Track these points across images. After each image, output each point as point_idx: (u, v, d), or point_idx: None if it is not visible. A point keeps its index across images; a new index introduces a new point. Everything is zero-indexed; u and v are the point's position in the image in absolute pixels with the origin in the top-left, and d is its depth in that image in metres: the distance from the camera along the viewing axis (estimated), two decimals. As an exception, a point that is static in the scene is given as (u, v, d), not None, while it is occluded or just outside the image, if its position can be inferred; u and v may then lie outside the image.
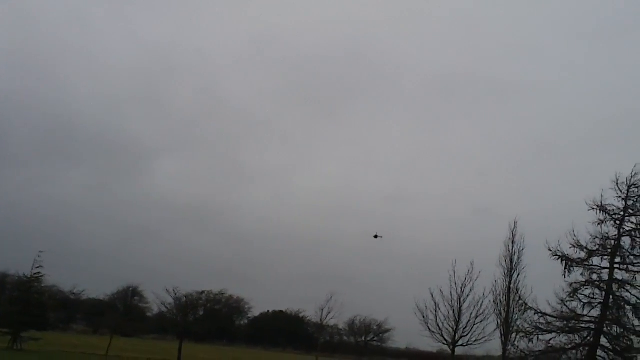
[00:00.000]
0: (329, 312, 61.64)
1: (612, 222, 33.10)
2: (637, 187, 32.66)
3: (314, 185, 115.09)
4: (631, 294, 32.57)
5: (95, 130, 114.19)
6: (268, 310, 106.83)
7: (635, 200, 32.70)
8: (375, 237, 56.70)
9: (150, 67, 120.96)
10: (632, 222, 32.94)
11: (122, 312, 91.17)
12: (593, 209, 33.46)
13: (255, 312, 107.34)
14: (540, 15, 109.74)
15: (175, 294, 50.58)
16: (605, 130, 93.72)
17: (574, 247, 33.77)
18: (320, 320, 63.52)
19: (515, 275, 37.76)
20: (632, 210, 32.81)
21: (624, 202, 32.86)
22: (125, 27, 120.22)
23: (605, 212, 33.17)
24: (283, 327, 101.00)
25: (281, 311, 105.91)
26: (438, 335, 39.68)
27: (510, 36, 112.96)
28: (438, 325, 39.45)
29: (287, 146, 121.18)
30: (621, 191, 32.88)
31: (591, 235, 33.49)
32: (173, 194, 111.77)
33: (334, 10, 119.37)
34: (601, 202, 33.24)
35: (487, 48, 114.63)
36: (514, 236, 38.30)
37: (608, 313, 32.63)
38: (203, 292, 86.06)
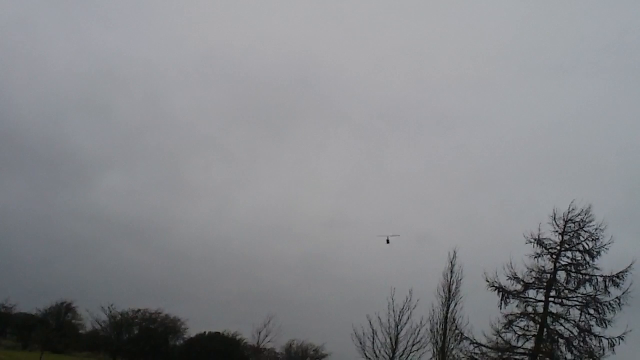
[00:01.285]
0: (266, 335, 60.62)
1: (548, 256, 33.49)
2: (573, 223, 33.14)
3: (255, 205, 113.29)
4: (565, 328, 32.87)
5: (36, 139, 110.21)
6: (204, 332, 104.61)
7: (571, 235, 33.16)
8: (388, 242, 55.65)
9: (96, 76, 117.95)
10: (567, 257, 33.38)
11: (54, 328, 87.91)
12: (530, 242, 33.83)
13: (192, 332, 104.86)
14: (486, 49, 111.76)
15: (110, 312, 49.11)
16: (545, 165, 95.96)
17: (511, 279, 34.01)
18: (257, 343, 62.41)
19: (452, 305, 37.70)
20: (568, 245, 33.24)
21: (560, 237, 33.28)
22: (72, 35, 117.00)
23: (542, 246, 33.55)
24: (219, 349, 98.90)
25: (217, 332, 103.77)
26: (375, 362, 39.18)
27: (456, 69, 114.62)
28: (375, 352, 39.01)
29: (231, 164, 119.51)
30: (558, 226, 33.33)
31: (528, 268, 33.82)
32: (113, 207, 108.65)
33: (285, 33, 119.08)
34: (538, 236, 33.63)
35: (433, 79, 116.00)
36: (452, 266, 38.30)
37: (542, 345, 32.82)
38: (139, 310, 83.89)
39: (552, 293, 33.24)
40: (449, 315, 37.53)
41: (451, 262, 38.43)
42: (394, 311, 39.04)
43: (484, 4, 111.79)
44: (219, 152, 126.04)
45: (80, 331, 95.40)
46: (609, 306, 32.06)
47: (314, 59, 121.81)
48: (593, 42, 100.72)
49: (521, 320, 33.61)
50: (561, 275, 33.31)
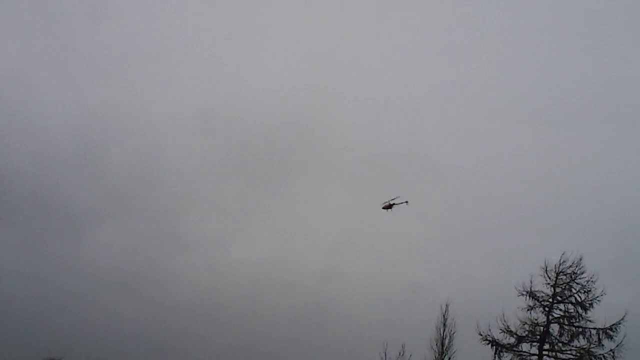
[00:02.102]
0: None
1: (541, 309, 33.29)
2: (565, 275, 33.08)
3: (249, 257, 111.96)
4: (559, 381, 32.49)
5: (28, 193, 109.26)
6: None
7: (563, 287, 33.06)
8: (390, 207, 54.22)
9: (89, 130, 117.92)
10: (560, 309, 33.20)
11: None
12: (523, 294, 33.65)
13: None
14: (479, 101, 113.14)
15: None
16: (535, 216, 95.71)
17: (504, 332, 33.72)
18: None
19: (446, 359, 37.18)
20: (561, 297, 33.10)
21: (552, 289, 33.18)
22: (65, 89, 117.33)
23: (535, 299, 33.39)
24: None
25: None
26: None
27: (448, 121, 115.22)
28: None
29: (224, 217, 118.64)
30: (550, 278, 33.26)
31: (521, 321, 33.57)
32: (106, 261, 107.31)
33: (278, 87, 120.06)
34: (530, 289, 33.49)
35: (426, 131, 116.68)
36: (445, 319, 37.90)
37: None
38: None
39: (546, 346, 32.96)
40: (443, 370, 37.05)
41: (444, 316, 38.08)
42: (387, 367, 38.45)
43: (476, 56, 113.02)
44: (212, 205, 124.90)
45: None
46: (603, 359, 31.75)
47: (308, 112, 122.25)
48: (581, 92, 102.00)
49: (516, 375, 33.22)
50: (554, 328, 33.08)
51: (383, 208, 57.30)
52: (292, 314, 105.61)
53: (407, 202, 56.39)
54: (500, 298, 35.95)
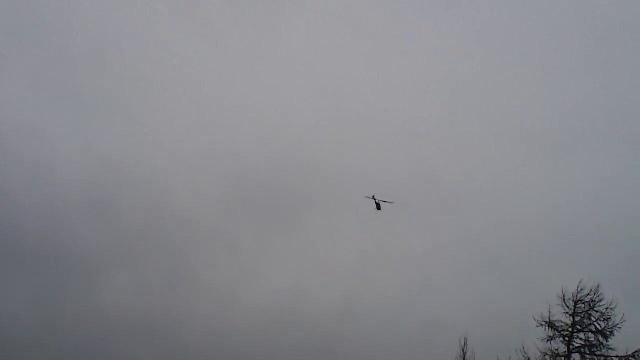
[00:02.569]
0: None
1: (561, 339, 32.81)
2: (583, 303, 32.68)
3: (264, 296, 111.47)
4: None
5: (41, 242, 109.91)
6: None
7: (582, 316, 32.64)
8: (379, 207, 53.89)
9: (99, 176, 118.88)
10: (580, 338, 32.74)
11: None
12: (541, 325, 33.23)
13: None
14: (491, 129, 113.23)
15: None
16: (552, 243, 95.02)
17: (524, 364, 33.22)
18: None
19: (467, 395, 36.61)
20: (580, 326, 32.67)
21: (571, 318, 32.77)
22: (75, 137, 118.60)
23: (554, 329, 32.97)
24: None
25: None
26: None
27: (460, 149, 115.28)
28: None
29: (238, 256, 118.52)
30: (568, 307, 32.88)
31: (541, 352, 33.14)
32: (119, 306, 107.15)
33: (286, 125, 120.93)
34: (549, 318, 33.10)
35: (436, 161, 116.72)
36: (464, 353, 37.29)
37: None
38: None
39: (569, 377, 32.45)
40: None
41: (462, 350, 37.51)
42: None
43: (484, 80, 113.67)
44: (225, 245, 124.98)
45: None
46: (626, 387, 31.34)
47: (317, 146, 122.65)
48: (594, 114, 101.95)
49: (539, 408, 32.66)
50: (575, 357, 32.63)
51: (376, 206, 57.44)
52: (308, 353, 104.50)
53: (392, 202, 56.58)
54: (519, 329, 35.55)
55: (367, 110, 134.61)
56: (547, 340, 33.13)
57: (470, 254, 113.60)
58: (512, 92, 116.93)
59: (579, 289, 32.81)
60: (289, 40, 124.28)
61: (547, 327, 33.09)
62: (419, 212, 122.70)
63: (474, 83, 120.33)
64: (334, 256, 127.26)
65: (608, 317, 32.31)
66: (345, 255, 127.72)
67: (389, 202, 54.37)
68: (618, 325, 32.17)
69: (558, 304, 32.99)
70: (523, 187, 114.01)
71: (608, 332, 32.22)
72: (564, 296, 32.97)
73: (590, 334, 32.62)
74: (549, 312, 33.07)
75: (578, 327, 32.69)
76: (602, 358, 32.07)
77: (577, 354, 32.57)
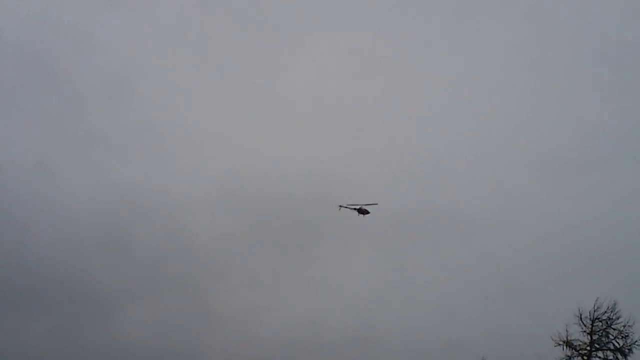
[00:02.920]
0: None
1: (579, 358, 32.66)
2: (600, 321, 32.58)
3: (281, 327, 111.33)
4: None
5: (57, 277, 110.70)
6: None
7: (600, 334, 32.51)
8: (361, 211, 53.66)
9: (115, 211, 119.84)
10: (599, 357, 32.61)
11: None
12: (559, 344, 33.11)
13: None
14: (503, 151, 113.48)
15: None
16: (567, 264, 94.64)
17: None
18: None
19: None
20: (598, 344, 32.54)
21: (589, 337, 32.63)
22: (89, 172, 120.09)
23: (572, 348, 32.84)
24: None
25: None
26: None
27: (472, 173, 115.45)
28: None
29: (255, 288, 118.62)
30: (585, 325, 32.76)
31: (560, 373, 32.94)
32: (137, 341, 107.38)
33: (302, 153, 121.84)
34: (567, 338, 32.97)
35: (450, 185, 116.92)
36: (482, 376, 37.31)
37: None
38: None
39: (589, 397, 32.26)
40: None
41: (482, 372, 37.53)
42: None
43: (497, 106, 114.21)
44: (242, 277, 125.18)
45: None
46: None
47: (333, 175, 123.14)
48: (607, 134, 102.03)
49: None
50: (596, 376, 32.44)
51: (360, 213, 57.79)
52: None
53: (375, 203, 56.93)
54: (537, 349, 35.44)
55: (382, 143, 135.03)
56: (567, 359, 33.00)
57: (488, 279, 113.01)
58: (525, 122, 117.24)
59: (595, 308, 32.75)
60: (299, 73, 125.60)
61: (565, 347, 32.98)
62: (435, 242, 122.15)
63: (488, 113, 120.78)
64: (350, 286, 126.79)
65: (626, 334, 32.19)
66: (362, 285, 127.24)
67: (373, 204, 54.81)
68: (637, 343, 32.04)
69: (575, 323, 32.93)
70: (539, 209, 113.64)
71: (627, 350, 32.08)
72: (580, 315, 32.90)
73: (609, 352, 32.48)
74: (567, 331, 33.00)
75: (596, 345, 32.56)
76: (621, 376, 31.88)
77: (596, 373, 32.42)
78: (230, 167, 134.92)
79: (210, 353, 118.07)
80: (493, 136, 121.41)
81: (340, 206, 54.21)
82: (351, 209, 54.13)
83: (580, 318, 32.91)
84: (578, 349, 32.74)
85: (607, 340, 32.52)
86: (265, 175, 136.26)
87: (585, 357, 32.56)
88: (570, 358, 32.83)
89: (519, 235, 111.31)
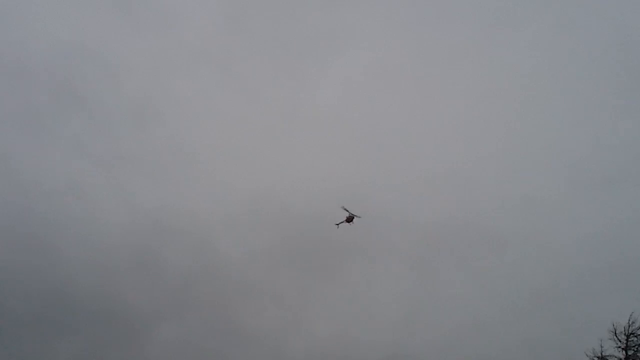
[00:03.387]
0: None
1: (615, 374, 32.17)
2: (636, 336, 32.04)
3: (310, 345, 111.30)
4: None
5: (88, 298, 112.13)
6: None
7: (635, 349, 31.97)
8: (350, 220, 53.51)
9: (144, 231, 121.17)
10: (634, 373, 32.03)
11: None
12: (594, 360, 32.64)
13: None
14: (530, 164, 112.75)
15: None
16: (600, 277, 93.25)
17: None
18: None
19: None
20: (634, 360, 32.01)
21: (624, 352, 32.11)
22: (118, 194, 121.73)
23: (607, 364, 32.34)
24: None
25: None
26: None
27: (501, 187, 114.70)
28: None
29: (282, 306, 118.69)
30: (620, 341, 32.24)
31: (597, 388, 32.37)
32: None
33: (328, 170, 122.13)
34: (601, 353, 32.46)
35: (478, 200, 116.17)
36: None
37: None
38: None
39: (626, 413, 31.64)
40: None
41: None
42: None
43: (527, 120, 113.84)
44: (270, 295, 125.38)
45: None
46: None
47: (358, 191, 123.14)
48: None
49: None
50: (630, 392, 31.83)
51: (347, 220, 57.81)
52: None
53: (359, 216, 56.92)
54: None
55: (410, 159, 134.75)
56: (601, 376, 32.47)
57: (519, 294, 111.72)
58: (557, 136, 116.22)
59: (630, 322, 32.26)
60: (323, 91, 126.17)
61: (600, 363, 32.49)
62: (465, 257, 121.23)
63: (518, 128, 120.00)
64: (378, 303, 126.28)
65: (662, 350, 31.66)
66: (391, 302, 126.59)
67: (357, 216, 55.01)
68: (674, 358, 31.49)
69: (610, 339, 32.45)
70: (569, 222, 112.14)
71: (663, 366, 31.54)
72: (615, 330, 32.44)
73: (644, 368, 31.93)
74: (601, 347, 32.48)
75: (632, 361, 32.06)
76: (658, 392, 31.25)
77: (632, 389, 31.82)
78: (258, 186, 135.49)
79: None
80: (524, 150, 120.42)
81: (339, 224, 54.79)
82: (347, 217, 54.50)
83: (615, 333, 32.47)
84: (613, 365, 32.24)
85: (643, 356, 32.00)
86: (293, 193, 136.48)
87: (621, 373, 32.03)
88: (605, 374, 32.32)
89: (551, 249, 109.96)
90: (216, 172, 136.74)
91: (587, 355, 32.56)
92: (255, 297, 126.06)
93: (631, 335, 32.04)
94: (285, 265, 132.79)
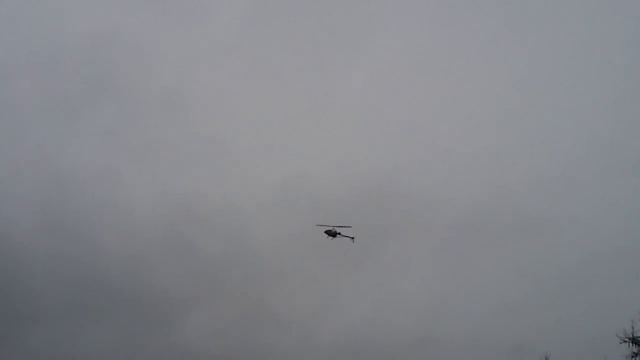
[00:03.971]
0: None
1: (645, 355, 32.02)
2: (668, 317, 31.89)
3: (342, 329, 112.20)
4: None
5: (123, 286, 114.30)
6: None
7: (667, 330, 31.82)
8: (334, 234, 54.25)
9: (177, 217, 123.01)
10: (666, 354, 31.88)
11: None
12: (625, 341, 32.45)
13: None
14: (565, 148, 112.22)
15: None
16: (633, 260, 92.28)
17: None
18: None
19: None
20: (665, 341, 31.85)
21: (655, 333, 31.96)
22: (152, 180, 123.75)
23: (638, 345, 32.14)
24: None
25: None
26: None
27: (535, 170, 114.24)
28: None
29: (315, 290, 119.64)
30: (652, 321, 32.07)
31: (626, 370, 32.27)
32: (199, 345, 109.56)
33: (358, 154, 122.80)
34: (633, 334, 32.29)
35: (512, 183, 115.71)
36: (547, 374, 36.86)
37: None
38: None
39: (657, 394, 31.57)
40: None
41: (544, 370, 37.07)
42: None
43: (565, 104, 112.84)
44: (303, 279, 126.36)
45: None
46: None
47: (390, 177, 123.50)
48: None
49: None
50: (662, 374, 31.70)
51: (326, 232, 58.54)
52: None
53: (352, 238, 57.71)
54: (602, 348, 34.88)
55: (443, 143, 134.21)
56: (632, 357, 32.34)
57: (552, 277, 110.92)
58: (595, 119, 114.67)
59: (662, 303, 32.10)
60: (357, 80, 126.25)
61: (631, 344, 32.33)
62: (499, 242, 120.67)
63: (555, 111, 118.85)
64: (411, 288, 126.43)
65: (694, 331, 31.48)
66: (424, 287, 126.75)
67: (351, 238, 55.74)
68: None
69: (641, 320, 32.26)
70: (603, 204, 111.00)
71: (696, 347, 31.38)
72: (646, 311, 32.28)
73: (676, 349, 31.79)
74: (632, 327, 32.32)
75: (663, 342, 31.91)
76: (691, 374, 31.13)
77: (663, 371, 31.71)
78: (290, 172, 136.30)
79: (271, 355, 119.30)
80: (560, 134, 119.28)
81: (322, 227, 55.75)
82: (329, 230, 55.52)
83: (646, 314, 32.29)
84: (644, 345, 32.13)
85: (674, 337, 31.86)
86: (325, 178, 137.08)
87: (652, 354, 31.94)
88: (636, 355, 32.20)
89: (586, 233, 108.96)
90: (247, 159, 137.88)
91: (617, 337, 32.45)
92: (288, 281, 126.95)
93: (663, 316, 31.92)
94: (318, 250, 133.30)
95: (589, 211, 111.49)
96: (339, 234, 57.55)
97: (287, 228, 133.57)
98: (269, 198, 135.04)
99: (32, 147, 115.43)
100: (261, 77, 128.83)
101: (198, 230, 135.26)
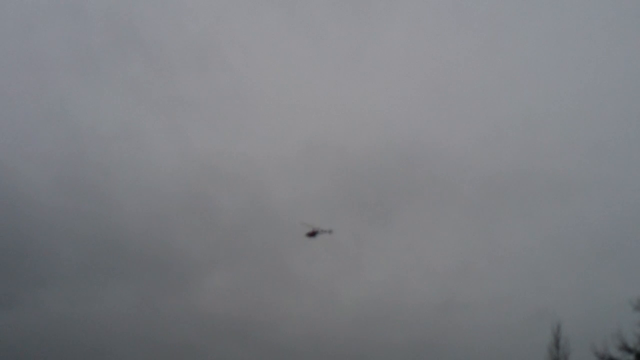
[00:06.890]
0: None
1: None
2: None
3: (362, 294, 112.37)
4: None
5: (142, 244, 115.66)
6: None
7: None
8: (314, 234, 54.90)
9: (198, 177, 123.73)
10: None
11: None
12: (638, 308, 32.21)
13: None
14: (600, 111, 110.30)
15: None
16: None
17: (621, 349, 32.38)
18: None
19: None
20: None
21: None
22: (174, 138, 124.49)
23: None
24: None
25: None
26: None
27: (569, 134, 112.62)
28: None
29: (336, 253, 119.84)
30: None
31: (638, 337, 32.01)
32: (217, 308, 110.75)
33: (385, 115, 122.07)
34: (646, 302, 32.01)
35: (545, 147, 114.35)
36: (557, 340, 36.92)
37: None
38: None
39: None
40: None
41: (556, 337, 37.04)
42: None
43: (596, 66, 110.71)
44: (323, 243, 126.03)
45: None
46: None
47: (418, 137, 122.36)
48: None
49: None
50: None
51: (307, 235, 59.18)
52: (409, 349, 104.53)
53: (330, 231, 58.22)
54: (617, 315, 34.59)
55: (473, 103, 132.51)
56: (647, 323, 32.13)
57: (583, 243, 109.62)
58: (627, 78, 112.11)
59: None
60: (387, 36, 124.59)
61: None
62: (528, 203, 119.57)
63: (588, 70, 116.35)
64: (435, 247, 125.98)
65: None
66: (447, 247, 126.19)
67: (328, 231, 56.19)
68: None
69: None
70: (635, 168, 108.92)
71: None
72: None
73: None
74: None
75: (678, 309, 31.59)
76: None
77: (676, 338, 31.43)
78: (315, 132, 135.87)
79: (289, 318, 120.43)
80: (591, 93, 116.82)
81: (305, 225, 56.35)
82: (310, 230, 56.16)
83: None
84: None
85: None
86: (348, 136, 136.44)
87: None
88: (648, 322, 31.99)
89: (617, 196, 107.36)
90: (273, 116, 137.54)
91: (631, 304, 32.36)
92: (309, 244, 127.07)
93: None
94: (341, 212, 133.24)
95: (622, 176, 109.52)
96: (318, 232, 58.52)
97: (310, 188, 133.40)
98: (293, 156, 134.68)
99: (52, 100, 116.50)
100: (295, 30, 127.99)
101: (220, 190, 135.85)
